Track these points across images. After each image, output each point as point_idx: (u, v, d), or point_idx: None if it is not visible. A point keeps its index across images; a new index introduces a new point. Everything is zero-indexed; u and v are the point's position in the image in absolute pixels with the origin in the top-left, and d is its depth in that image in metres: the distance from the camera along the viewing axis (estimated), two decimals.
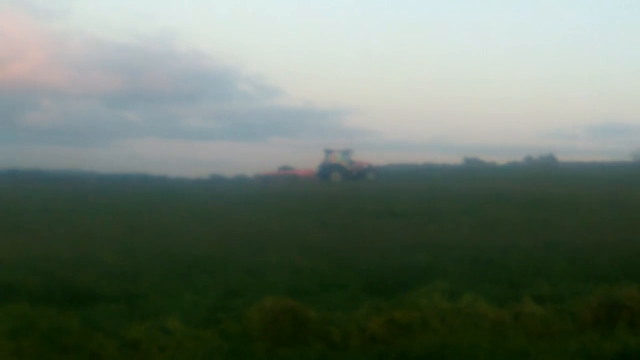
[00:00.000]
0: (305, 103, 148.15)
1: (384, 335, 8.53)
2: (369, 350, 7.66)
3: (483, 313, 9.13)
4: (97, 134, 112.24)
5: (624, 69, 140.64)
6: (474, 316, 9.05)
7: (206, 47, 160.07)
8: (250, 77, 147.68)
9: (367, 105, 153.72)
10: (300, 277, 12.63)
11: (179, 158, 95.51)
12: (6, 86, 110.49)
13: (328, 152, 59.78)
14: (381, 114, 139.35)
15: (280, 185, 50.73)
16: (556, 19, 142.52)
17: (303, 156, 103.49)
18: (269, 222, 23.08)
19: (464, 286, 10.61)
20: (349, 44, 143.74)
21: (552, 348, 7.76)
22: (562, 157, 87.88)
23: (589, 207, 26.07)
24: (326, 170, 57.89)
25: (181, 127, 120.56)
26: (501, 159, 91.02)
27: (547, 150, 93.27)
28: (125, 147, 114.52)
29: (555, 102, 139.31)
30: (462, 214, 24.76)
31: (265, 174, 57.73)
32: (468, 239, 17.55)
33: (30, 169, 61.83)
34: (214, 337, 8.33)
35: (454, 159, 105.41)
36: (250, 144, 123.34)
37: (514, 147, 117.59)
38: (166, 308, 9.72)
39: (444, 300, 9.41)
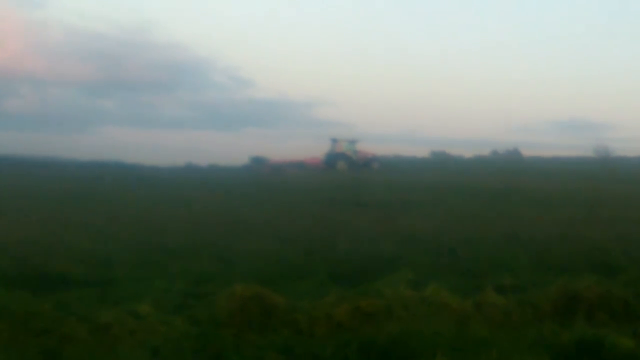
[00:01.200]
0: (278, 95, 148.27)
1: (350, 323, 8.52)
2: (334, 337, 7.64)
3: (446, 303, 9.14)
4: (75, 122, 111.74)
5: (590, 68, 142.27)
6: (437, 305, 9.07)
7: (182, 39, 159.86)
8: (225, 68, 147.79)
9: (340, 97, 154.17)
10: (270, 265, 12.61)
11: (154, 146, 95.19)
12: None
13: (334, 141, 59.50)
14: (354, 106, 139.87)
15: (290, 174, 50.52)
16: (526, 15, 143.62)
17: (276, 147, 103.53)
18: (246, 210, 23.03)
19: (428, 276, 10.63)
20: (323, 37, 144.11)
21: (512, 337, 7.78)
22: (527, 152, 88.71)
23: (552, 201, 26.29)
24: (332, 159, 57.61)
25: (157, 116, 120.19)
26: (468, 153, 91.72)
27: (513, 144, 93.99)
28: (102, 134, 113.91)
29: (522, 98, 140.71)
30: (429, 205, 24.86)
31: (275, 163, 57.20)
32: (434, 230, 17.60)
33: (7, 155, 61.20)
34: (183, 322, 8.29)
35: (422, 151, 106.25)
36: (224, 134, 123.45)
37: (480, 141, 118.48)
38: (138, 294, 9.65)
39: (408, 289, 9.42)
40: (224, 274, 11.59)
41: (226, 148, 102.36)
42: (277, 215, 21.60)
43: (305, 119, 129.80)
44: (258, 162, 58.29)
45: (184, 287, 10.51)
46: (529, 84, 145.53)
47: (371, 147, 62.30)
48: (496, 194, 29.49)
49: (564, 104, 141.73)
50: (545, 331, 8.03)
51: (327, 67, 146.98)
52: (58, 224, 18.59)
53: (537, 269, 12.04)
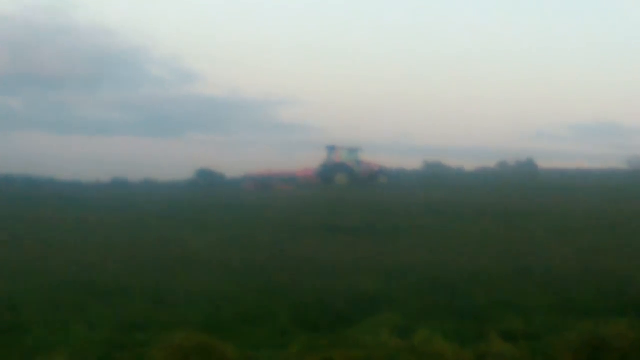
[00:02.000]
0: (231, 92, 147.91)
1: None
2: None
3: (441, 353, 9.21)
4: None
5: (617, 61, 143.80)
6: (430, 357, 9.13)
7: (110, 22, 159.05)
8: (164, 58, 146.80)
9: (309, 96, 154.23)
10: (219, 307, 12.60)
11: (73, 156, 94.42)
12: None
13: (331, 149, 58.97)
14: (324, 108, 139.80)
15: (280, 189, 50.56)
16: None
17: (229, 156, 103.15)
18: (191, 239, 22.97)
19: (419, 320, 10.71)
20: (288, 21, 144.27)
21: None
22: (543, 163, 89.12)
23: (574, 225, 26.43)
24: (329, 172, 57.25)
25: (77, 119, 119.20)
26: (470, 164, 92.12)
27: (526, 154, 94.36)
28: (6, 141, 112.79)
29: (537, 98, 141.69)
30: (420, 230, 24.97)
31: (261, 176, 56.91)
32: (427, 262, 17.67)
33: None
34: None
35: (413, 162, 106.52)
36: (163, 141, 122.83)
37: (485, 150, 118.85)
38: (50, 344, 9.61)
39: (394, 337, 9.48)
40: (160, 318, 11.56)
41: (165, 159, 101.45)
42: (231, 244, 21.57)
43: (265, 122, 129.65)
44: (206, 176, 58.12)
45: (109, 335, 10.48)
46: (545, 82, 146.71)
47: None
48: (504, 217, 29.61)
49: (587, 103, 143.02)
50: None
51: (293, 58, 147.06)
52: None
53: (555, 311, 12.12)
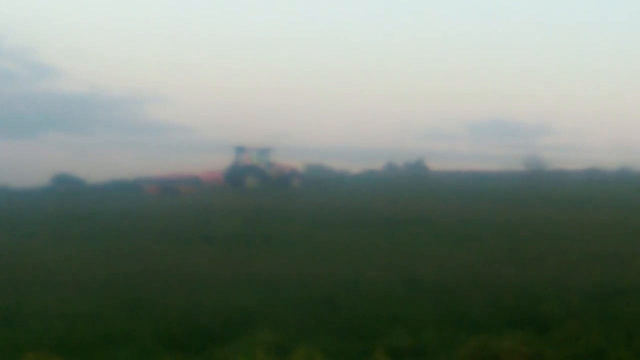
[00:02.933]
0: (91, 88, 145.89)
1: None
2: None
3: None
4: None
5: (515, 56, 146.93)
6: None
7: None
8: (14, 50, 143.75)
9: (174, 93, 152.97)
10: (74, 325, 12.52)
11: None
12: None
13: (239, 150, 59.02)
14: (194, 106, 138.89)
15: (185, 193, 50.30)
16: None
17: (89, 159, 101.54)
18: (45, 252, 22.66)
19: (297, 337, 10.85)
20: (151, 8, 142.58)
21: None
22: (435, 164, 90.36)
23: (465, 233, 26.92)
24: (238, 174, 57.23)
25: None
26: (355, 167, 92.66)
27: (416, 154, 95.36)
28: None
29: (428, 94, 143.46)
30: (296, 238, 25.19)
31: (164, 179, 56.54)
32: (305, 273, 17.84)
33: None
34: None
35: (292, 165, 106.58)
36: (14, 142, 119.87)
37: (371, 150, 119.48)
38: None
39: (269, 356, 9.59)
40: (7, 341, 11.45)
41: (17, 163, 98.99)
42: (92, 257, 21.38)
43: (130, 122, 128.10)
44: (64, 182, 57.38)
45: None
46: (437, 76, 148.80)
47: (221, 157, 62.16)
48: (390, 224, 29.97)
49: (484, 101, 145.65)
50: None
51: (159, 51, 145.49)
52: None
53: (445, 325, 12.38)
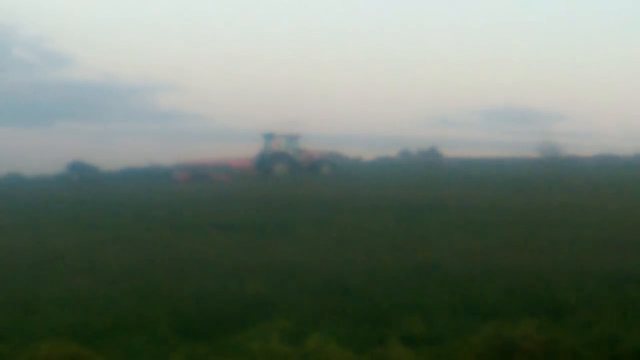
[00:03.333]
0: (105, 76, 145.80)
1: None
2: None
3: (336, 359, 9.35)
4: None
5: (529, 43, 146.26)
6: None
7: None
8: (30, 39, 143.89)
9: (187, 82, 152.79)
10: (89, 313, 12.56)
11: None
12: None
13: (268, 137, 59.05)
14: (208, 94, 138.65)
15: (217, 179, 50.47)
16: None
17: (104, 148, 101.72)
18: (59, 239, 22.69)
19: (311, 325, 10.85)
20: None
21: None
22: (448, 151, 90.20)
23: (480, 219, 26.86)
24: (267, 161, 57.30)
25: None
26: (368, 154, 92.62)
27: (430, 142, 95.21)
28: None
29: (442, 82, 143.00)
30: (312, 225, 25.19)
31: (196, 165, 56.83)
32: (318, 260, 17.86)
33: None
34: None
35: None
36: (30, 131, 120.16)
37: (385, 138, 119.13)
38: None
39: (284, 343, 9.59)
40: (23, 327, 11.48)
41: (33, 151, 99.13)
42: (105, 244, 21.42)
43: (145, 110, 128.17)
44: (78, 169, 57.51)
45: None
46: (451, 64, 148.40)
47: (230, 146, 62.48)
48: (405, 210, 29.95)
49: (499, 88, 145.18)
50: None
51: (172, 39, 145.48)
52: None
53: (459, 312, 12.39)
